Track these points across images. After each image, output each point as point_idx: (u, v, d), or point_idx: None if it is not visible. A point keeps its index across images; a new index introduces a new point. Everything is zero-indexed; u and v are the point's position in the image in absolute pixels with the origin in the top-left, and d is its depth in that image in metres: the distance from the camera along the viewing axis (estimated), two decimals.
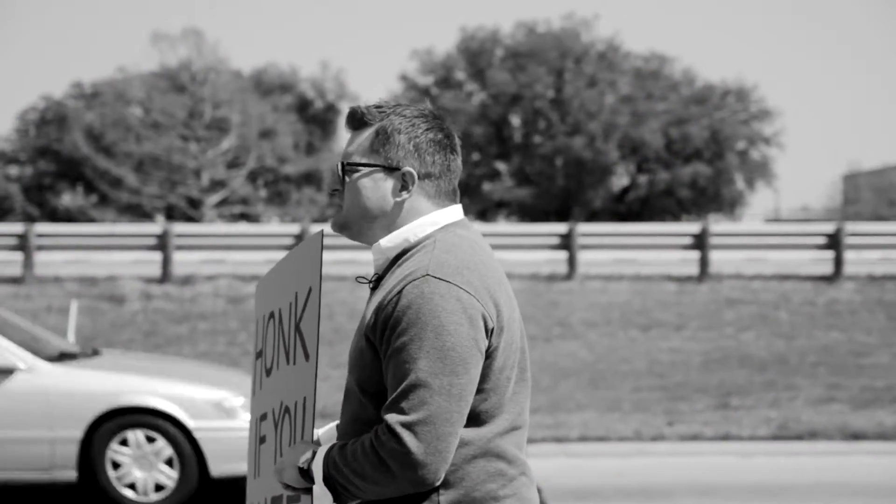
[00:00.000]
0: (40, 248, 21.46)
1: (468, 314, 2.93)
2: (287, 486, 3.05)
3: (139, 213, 51.79)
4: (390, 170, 3.09)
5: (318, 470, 2.99)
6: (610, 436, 12.54)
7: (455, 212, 3.14)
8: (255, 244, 22.48)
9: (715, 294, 20.79)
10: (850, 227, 22.71)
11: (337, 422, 3.26)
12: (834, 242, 22.11)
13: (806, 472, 11.23)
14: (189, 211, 50.91)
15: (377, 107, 3.14)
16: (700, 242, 21.95)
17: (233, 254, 22.51)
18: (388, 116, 3.11)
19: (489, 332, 2.97)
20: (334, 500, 3.00)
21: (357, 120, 3.15)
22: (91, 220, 49.99)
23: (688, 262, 22.55)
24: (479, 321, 2.95)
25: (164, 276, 21.09)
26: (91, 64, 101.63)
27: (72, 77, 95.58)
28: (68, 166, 55.13)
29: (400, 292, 2.96)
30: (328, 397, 13.11)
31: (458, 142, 3.17)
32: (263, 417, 3.35)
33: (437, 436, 2.88)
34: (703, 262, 21.86)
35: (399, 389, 2.90)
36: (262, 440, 3.36)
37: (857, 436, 12.53)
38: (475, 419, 2.98)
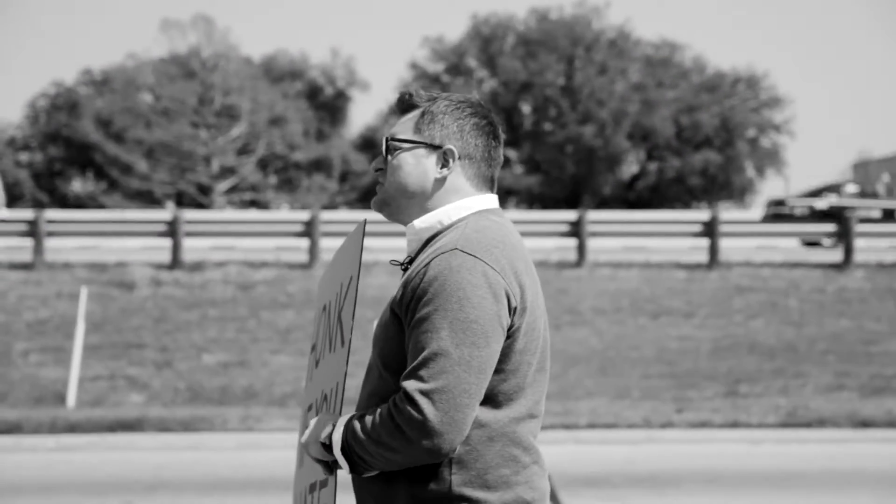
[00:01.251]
0: (50, 234, 21.49)
1: (493, 289, 2.97)
2: (317, 462, 3.09)
3: (149, 199, 51.85)
4: (432, 147, 3.16)
5: (336, 438, 3.01)
6: (619, 423, 12.56)
7: (490, 200, 3.20)
8: (265, 231, 22.50)
9: (724, 281, 20.78)
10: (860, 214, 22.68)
11: None
12: (844, 230, 22.08)
13: (814, 460, 11.24)
14: (199, 197, 50.96)
15: (427, 94, 3.23)
16: (710, 230, 21.93)
17: (242, 240, 22.54)
18: (434, 100, 3.20)
19: (512, 311, 3.01)
20: (351, 471, 3.03)
21: (405, 103, 3.23)
22: (101, 206, 50.05)
23: (697, 249, 22.53)
24: (503, 298, 2.99)
25: (174, 263, 21.12)
26: (101, 51, 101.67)
27: (82, 64, 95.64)
28: (78, 153, 55.19)
29: (428, 264, 3.01)
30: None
31: (501, 132, 3.24)
32: (310, 408, 3.40)
33: (455, 406, 2.91)
34: (713, 250, 21.84)
35: (419, 358, 2.94)
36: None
37: (865, 423, 12.53)
38: (493, 400, 3.01)
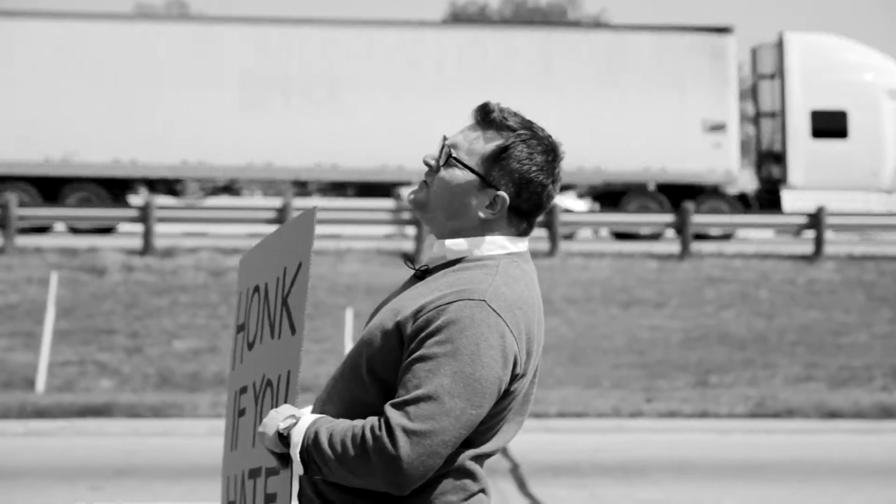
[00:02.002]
0: (21, 219, 21.39)
1: (505, 354, 2.95)
2: (274, 455, 3.05)
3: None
4: (486, 185, 3.07)
5: (297, 439, 2.98)
6: (589, 412, 12.59)
7: (522, 243, 3.13)
8: (237, 217, 22.47)
9: (696, 272, 20.84)
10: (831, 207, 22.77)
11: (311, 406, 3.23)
12: (815, 222, 22.18)
13: (783, 450, 11.30)
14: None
15: (509, 118, 3.09)
16: (681, 221, 21.98)
17: (214, 227, 22.49)
18: (515, 137, 3.07)
19: (513, 377, 2.99)
20: (304, 472, 3.00)
21: (488, 119, 3.11)
22: None
23: (669, 240, 22.60)
24: (511, 364, 2.97)
25: (146, 249, 21.05)
26: None
27: None
28: None
29: (450, 303, 2.95)
30: (306, 371, 13.13)
31: (559, 185, 3.14)
32: (244, 391, 3.35)
33: (430, 452, 2.89)
34: (684, 241, 21.90)
35: (413, 394, 2.90)
36: (242, 413, 3.36)
37: (833, 414, 12.61)
38: (464, 443, 3.00)
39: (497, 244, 3.08)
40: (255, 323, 3.34)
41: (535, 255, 18.52)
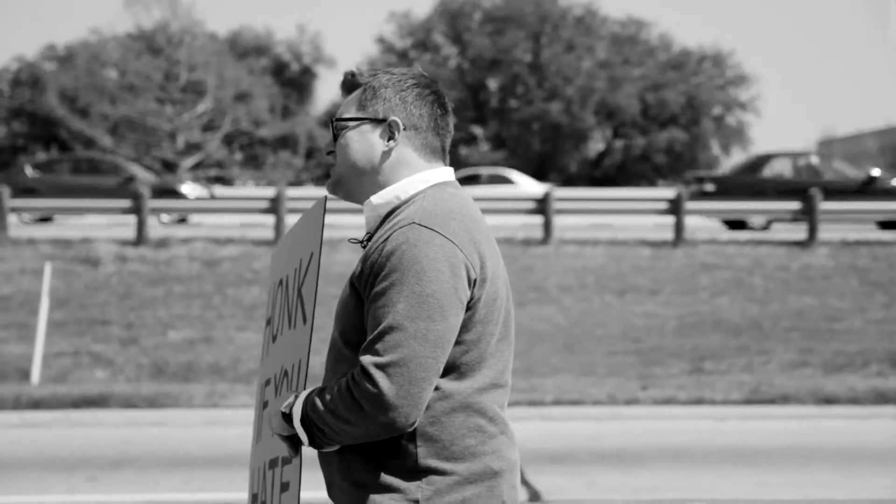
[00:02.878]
0: (14, 210, 21.36)
1: (451, 263, 2.96)
2: (282, 439, 3.07)
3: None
4: (377, 121, 3.15)
5: (297, 412, 3.00)
6: (584, 400, 12.60)
7: (446, 172, 3.18)
8: (231, 207, 22.45)
9: (690, 259, 20.85)
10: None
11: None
12: (808, 208, 22.19)
13: (778, 436, 11.31)
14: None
15: (369, 71, 3.22)
16: (675, 207, 21.99)
17: (208, 217, 22.46)
18: (376, 75, 3.19)
19: (471, 283, 3.00)
20: (310, 444, 3.01)
21: (348, 83, 3.23)
22: None
23: (663, 227, 22.60)
24: (462, 271, 2.98)
25: (139, 239, 21.03)
26: (65, 26, 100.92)
27: (45, 39, 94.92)
28: (42, 128, 54.85)
29: (386, 239, 3.00)
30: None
31: (448, 101, 3.22)
32: (267, 383, 3.39)
33: (410, 379, 2.90)
34: (679, 227, 21.91)
35: (376, 332, 2.94)
36: (265, 405, 3.39)
37: (828, 400, 12.62)
38: (455, 371, 3.00)
39: (419, 181, 3.14)
40: (278, 316, 3.38)
41: (528, 242, 18.64)
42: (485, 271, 3.03)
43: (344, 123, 3.18)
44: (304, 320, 3.16)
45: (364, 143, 3.15)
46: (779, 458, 10.22)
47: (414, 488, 2.98)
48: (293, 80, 61.14)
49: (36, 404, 12.32)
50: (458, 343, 2.99)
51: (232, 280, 19.07)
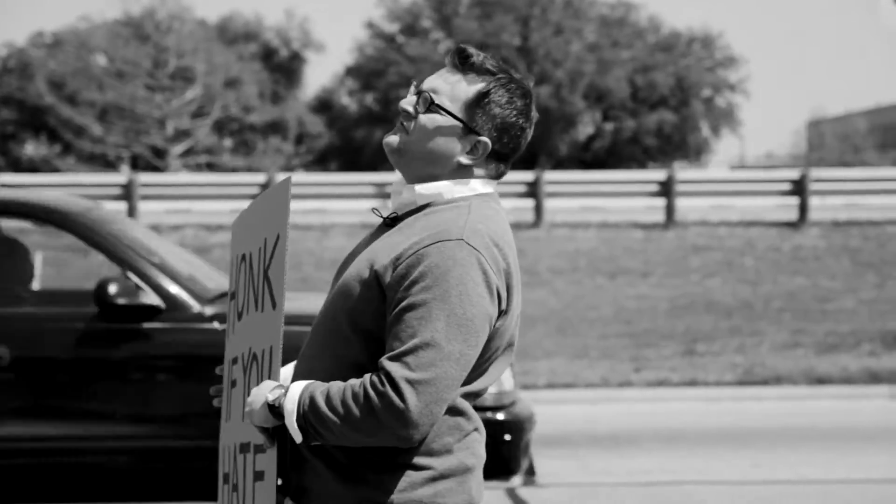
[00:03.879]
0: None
1: (490, 290, 2.93)
2: (261, 430, 3.01)
3: (103, 162, 51.51)
4: (469, 131, 3.05)
5: (290, 406, 2.95)
6: (577, 382, 12.61)
7: (493, 185, 3.13)
8: (221, 194, 22.40)
9: (681, 241, 20.87)
10: (815, 173, 22.81)
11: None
12: (799, 189, 22.21)
13: (771, 417, 11.33)
14: (154, 161, 50.67)
15: (487, 62, 3.10)
16: (666, 189, 22.01)
17: (198, 203, 22.42)
18: (495, 82, 3.07)
19: (499, 313, 2.98)
20: (303, 440, 2.96)
21: (467, 63, 3.09)
22: (55, 170, 49.68)
23: (654, 209, 22.61)
24: (496, 299, 2.95)
25: None
26: (53, 13, 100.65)
27: (33, 26, 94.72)
28: (31, 115, 54.70)
29: (428, 246, 2.93)
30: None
31: (532, 128, 3.14)
32: (234, 361, 3.33)
33: (437, 399, 2.87)
34: (669, 210, 21.92)
35: (409, 344, 2.88)
36: (234, 384, 3.34)
37: (821, 380, 12.65)
38: None
39: (468, 187, 3.07)
40: (243, 293, 3.32)
41: (519, 225, 18.65)
42: (510, 303, 3.01)
43: (438, 109, 3.05)
44: (274, 306, 3.10)
45: (448, 140, 3.05)
46: (772, 438, 10.24)
47: (389, 480, 2.96)
48: (282, 66, 61.02)
49: None
50: None
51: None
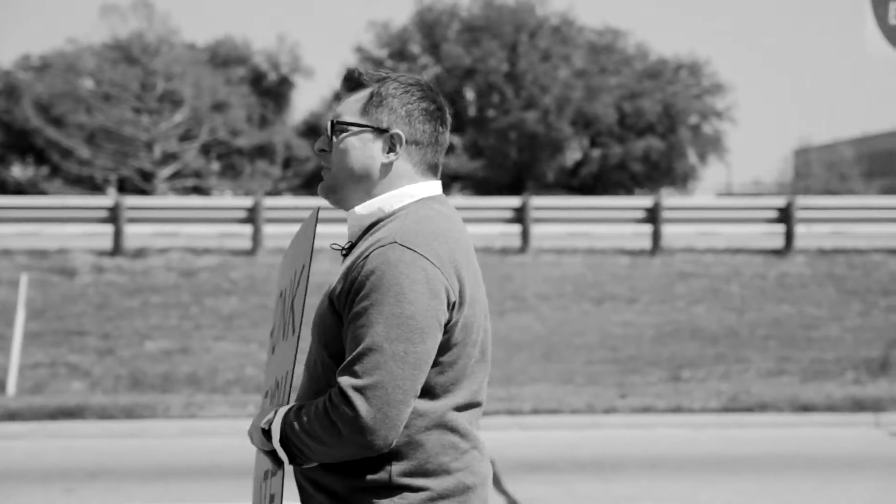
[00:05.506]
0: None
1: (430, 285, 2.94)
2: (265, 453, 3.07)
3: (90, 185, 51.47)
4: (379, 131, 3.10)
5: (276, 429, 3.00)
6: (562, 408, 12.60)
7: (433, 187, 3.15)
8: (208, 217, 22.38)
9: (667, 267, 20.89)
10: (801, 201, 22.87)
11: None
12: (785, 216, 22.26)
13: (756, 444, 11.33)
14: (141, 184, 50.62)
15: (376, 73, 3.17)
16: (652, 216, 22.04)
17: (185, 227, 22.39)
18: (384, 81, 3.14)
19: (450, 306, 2.98)
20: (290, 462, 3.00)
21: (353, 81, 3.17)
22: (42, 192, 49.59)
23: (640, 235, 22.63)
24: (442, 293, 2.96)
25: (116, 249, 20.96)
26: (40, 36, 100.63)
27: (20, 49, 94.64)
28: (18, 138, 54.64)
29: (366, 257, 2.97)
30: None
31: (448, 116, 3.20)
32: (266, 395, 3.40)
33: (388, 402, 2.89)
34: (656, 236, 21.95)
35: (354, 353, 2.92)
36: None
37: (806, 407, 12.65)
38: (431, 392, 2.99)
39: (405, 194, 3.10)
40: (278, 328, 3.40)
41: (506, 251, 18.63)
42: (463, 295, 3.01)
43: (344, 127, 3.12)
44: (294, 332, 3.16)
45: (364, 151, 3.10)
46: (757, 465, 10.24)
47: (385, 503, 2.97)
48: (270, 90, 61.09)
49: (12, 416, 12.26)
50: (434, 365, 2.99)
51: (209, 290, 19.02)
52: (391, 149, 3.11)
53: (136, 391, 13.92)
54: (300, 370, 3.22)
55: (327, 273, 19.34)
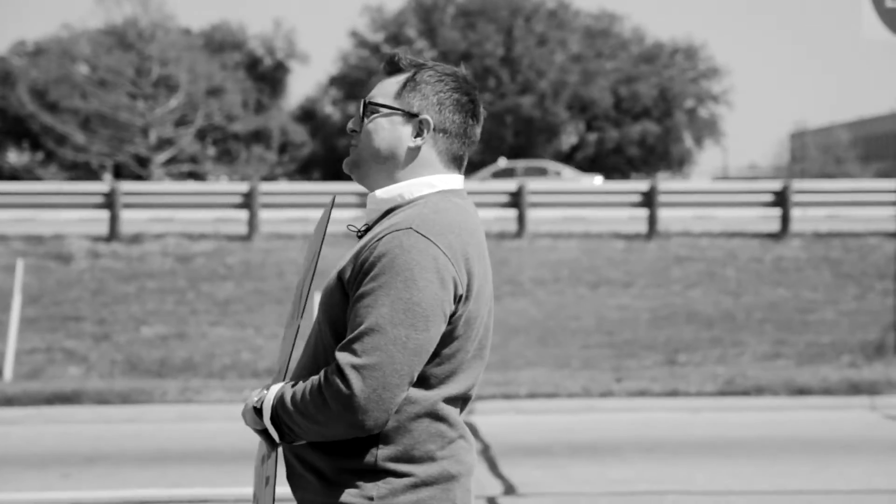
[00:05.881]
0: None
1: (440, 275, 2.95)
2: (258, 434, 3.08)
3: (86, 171, 51.42)
4: (409, 115, 3.13)
5: (266, 406, 3.01)
6: (559, 392, 12.61)
7: (455, 180, 3.17)
8: (204, 202, 22.37)
9: (663, 251, 20.90)
10: (797, 184, 22.87)
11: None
12: (781, 200, 22.27)
13: (752, 427, 11.35)
14: (137, 169, 50.58)
15: (416, 59, 3.21)
16: (648, 200, 22.04)
17: (181, 212, 22.38)
18: (421, 68, 3.18)
19: (457, 298, 2.99)
20: (280, 440, 3.01)
21: (392, 65, 3.21)
22: (37, 178, 49.54)
23: (636, 219, 22.64)
24: (450, 284, 2.97)
25: (112, 235, 20.94)
26: (35, 22, 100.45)
27: (15, 35, 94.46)
28: (13, 124, 54.58)
29: (380, 239, 2.99)
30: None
31: (481, 111, 3.22)
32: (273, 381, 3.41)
33: (384, 384, 2.89)
34: (652, 220, 21.96)
35: (356, 332, 2.92)
36: None
37: (802, 391, 12.66)
38: (425, 381, 3.00)
39: (427, 184, 3.13)
40: (290, 314, 3.41)
41: (502, 235, 18.62)
42: (471, 289, 3.03)
43: (376, 108, 3.15)
44: (299, 316, 3.19)
45: (392, 132, 3.13)
46: (753, 449, 10.25)
47: (371, 486, 2.99)
48: (266, 75, 61.03)
49: (8, 401, 12.26)
50: (433, 355, 3.00)
51: (205, 275, 19.01)
52: (418, 133, 3.13)
53: (132, 376, 13.93)
54: (297, 354, 3.22)
55: (324, 258, 19.34)
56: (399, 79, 3.17)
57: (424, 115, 3.13)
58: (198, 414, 11.97)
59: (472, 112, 3.19)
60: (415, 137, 3.13)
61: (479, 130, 3.22)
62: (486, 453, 9.95)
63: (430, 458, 3.02)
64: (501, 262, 19.81)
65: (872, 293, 18.62)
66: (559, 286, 18.80)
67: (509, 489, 8.76)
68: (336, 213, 23.21)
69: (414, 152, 3.13)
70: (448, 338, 3.00)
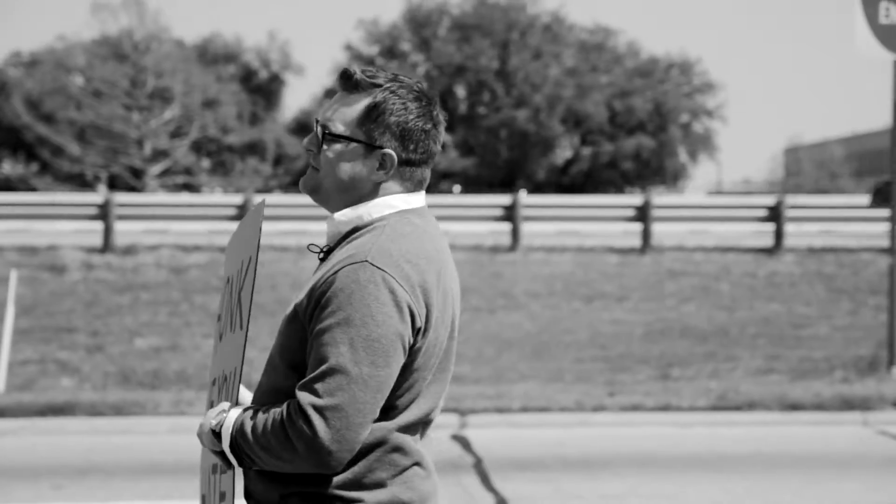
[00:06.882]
0: None
1: (399, 307, 2.91)
2: (215, 453, 3.06)
3: (81, 182, 51.40)
4: (371, 148, 3.04)
5: (226, 433, 2.99)
6: (552, 406, 12.61)
7: (416, 199, 3.09)
8: (198, 214, 22.38)
9: (657, 266, 20.92)
10: (791, 199, 22.91)
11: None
12: (775, 215, 22.31)
13: (745, 442, 11.35)
14: (131, 181, 50.57)
15: (374, 76, 3.06)
16: (642, 214, 22.07)
17: (175, 224, 22.39)
18: (382, 92, 3.04)
19: (416, 331, 2.95)
20: (239, 465, 3.00)
21: (350, 82, 3.08)
22: (32, 188, 49.52)
23: (630, 234, 22.67)
24: (408, 317, 2.92)
25: (106, 246, 20.94)
26: (30, 33, 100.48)
27: (10, 46, 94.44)
28: (8, 134, 54.57)
29: (336, 273, 2.93)
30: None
31: (442, 129, 3.12)
32: (213, 383, 3.37)
33: (347, 425, 2.86)
34: (646, 234, 21.98)
35: (317, 371, 2.88)
36: (212, 405, 3.38)
37: (794, 406, 12.67)
38: (383, 412, 2.97)
39: (385, 205, 3.05)
40: (225, 314, 3.36)
41: (496, 249, 18.61)
42: (429, 320, 2.98)
43: (336, 138, 3.05)
44: (241, 326, 3.13)
45: (354, 165, 3.04)
46: (745, 464, 10.26)
47: None
48: (261, 87, 61.08)
49: (1, 412, 12.24)
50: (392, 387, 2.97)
51: (199, 287, 19.01)
52: (381, 167, 3.05)
53: (125, 388, 13.92)
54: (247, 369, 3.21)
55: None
56: (359, 105, 3.04)
57: (388, 150, 3.03)
58: (190, 426, 11.95)
59: (435, 137, 3.08)
60: (377, 170, 3.04)
61: (440, 146, 3.12)
62: (479, 467, 9.95)
63: (379, 485, 2.99)
64: (495, 276, 19.81)
65: (865, 309, 18.65)
66: (553, 300, 18.81)
67: (501, 503, 8.76)
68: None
69: (377, 185, 3.06)
70: (406, 370, 2.96)
